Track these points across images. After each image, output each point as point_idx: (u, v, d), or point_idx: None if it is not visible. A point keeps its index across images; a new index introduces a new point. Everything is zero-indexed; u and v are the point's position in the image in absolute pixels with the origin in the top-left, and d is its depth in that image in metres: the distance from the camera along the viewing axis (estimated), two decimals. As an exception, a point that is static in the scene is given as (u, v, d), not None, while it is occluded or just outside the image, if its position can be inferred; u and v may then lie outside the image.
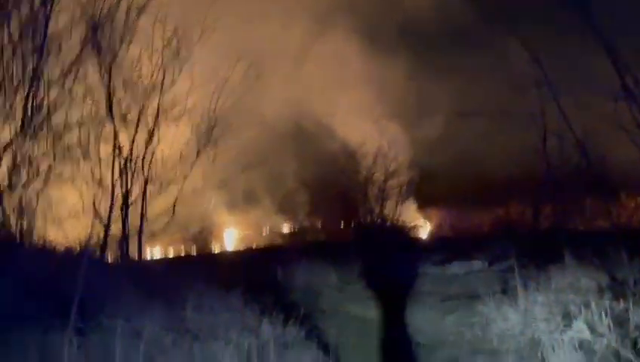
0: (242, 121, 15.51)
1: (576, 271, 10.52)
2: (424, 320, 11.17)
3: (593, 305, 8.08)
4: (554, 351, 7.23)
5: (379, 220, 24.99)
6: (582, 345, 7.19)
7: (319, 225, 29.11)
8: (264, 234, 32.36)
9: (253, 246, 28.50)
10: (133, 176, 13.66)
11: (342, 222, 27.52)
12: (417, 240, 25.75)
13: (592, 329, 7.47)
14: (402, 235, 25.25)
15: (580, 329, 7.55)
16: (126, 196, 13.36)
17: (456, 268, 15.84)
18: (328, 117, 27.64)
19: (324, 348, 8.10)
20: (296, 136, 28.45)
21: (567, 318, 8.23)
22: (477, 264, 15.77)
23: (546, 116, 13.53)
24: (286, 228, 31.10)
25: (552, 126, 13.30)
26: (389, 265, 16.05)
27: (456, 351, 8.93)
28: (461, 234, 23.87)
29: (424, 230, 29.87)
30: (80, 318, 5.64)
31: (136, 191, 13.92)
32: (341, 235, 25.78)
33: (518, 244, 14.42)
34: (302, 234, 28.29)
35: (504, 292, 11.01)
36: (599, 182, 10.89)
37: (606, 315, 7.45)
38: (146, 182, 13.88)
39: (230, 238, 32.10)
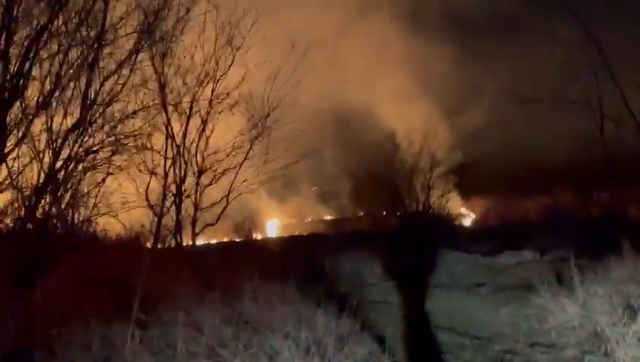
0: (293, 111, 15.28)
1: (637, 262, 10.19)
2: (477, 312, 10.98)
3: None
4: (618, 345, 6.96)
5: (425, 209, 24.75)
6: (647, 339, 6.95)
7: (361, 213, 28.96)
8: (307, 221, 32.49)
9: (298, 234, 28.59)
10: (186, 165, 13.60)
11: (385, 211, 27.27)
12: (464, 229, 25.43)
13: (658, 322, 7.23)
14: (449, 225, 24.99)
15: (644, 322, 7.30)
16: (179, 185, 13.32)
17: (506, 258, 15.55)
18: (372, 104, 27.52)
19: (379, 340, 7.96)
20: (339, 124, 28.38)
21: (630, 311, 7.97)
22: (528, 254, 15.47)
23: (602, 102, 13.06)
24: (328, 217, 31.10)
25: (608, 112, 12.85)
26: (438, 255, 15.88)
27: (512, 343, 8.70)
28: (509, 223, 23.43)
29: (468, 219, 29.62)
30: (141, 310, 5.62)
31: (189, 181, 13.91)
32: (385, 225, 25.51)
33: (570, 233, 14.13)
34: (344, 224, 28.17)
35: (559, 283, 10.71)
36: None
37: (672, 308, 7.20)
38: (199, 172, 13.82)
39: (273, 228, 32.31)
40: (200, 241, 21.90)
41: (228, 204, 14.46)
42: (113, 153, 12.18)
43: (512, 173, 25.94)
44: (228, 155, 14.33)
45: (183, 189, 13.59)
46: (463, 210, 30.14)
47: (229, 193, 14.46)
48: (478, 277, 13.73)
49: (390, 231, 23.17)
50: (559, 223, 18.00)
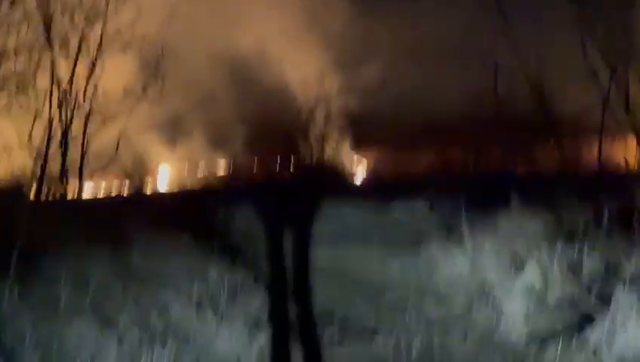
0: (191, 55, 14.48)
1: (524, 216, 10.44)
2: (369, 263, 11.01)
3: (544, 250, 8.04)
4: (505, 297, 7.11)
5: (318, 160, 24.70)
6: (533, 292, 7.11)
7: (255, 163, 28.63)
8: (199, 170, 31.81)
9: (193, 186, 28.02)
10: (73, 109, 12.58)
11: (279, 161, 27.05)
12: (356, 181, 25.61)
13: (544, 275, 7.41)
14: (342, 176, 25.09)
15: (531, 275, 7.48)
16: (65, 130, 12.33)
17: (397, 210, 15.67)
18: (267, 52, 27.07)
19: (272, 291, 7.80)
20: (240, 75, 27.81)
21: (517, 265, 8.17)
22: (418, 206, 15.63)
23: (497, 57, 13.20)
24: (222, 166, 30.57)
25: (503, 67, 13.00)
26: (329, 206, 15.83)
27: (403, 293, 8.77)
28: (400, 176, 23.69)
29: (360, 171, 29.80)
30: (20, 265, 5.20)
31: (76, 126, 12.93)
32: (279, 175, 25.34)
33: (460, 187, 14.35)
34: (238, 174, 27.80)
35: (449, 235, 10.89)
36: (549, 124, 10.69)
37: (558, 261, 7.39)
38: (87, 116, 12.84)
39: (164, 175, 31.48)
40: (91, 189, 21.18)
41: (118, 150, 13.57)
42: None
43: (405, 126, 26.12)
44: (119, 98, 13.34)
45: (69, 134, 12.57)
46: (355, 162, 30.24)
47: (119, 139, 13.53)
48: (370, 229, 13.78)
49: (284, 182, 23.06)
50: (449, 177, 18.30)
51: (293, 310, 7.62)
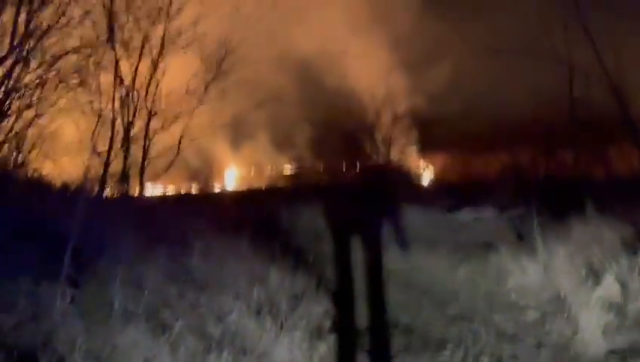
0: (254, 55, 14.27)
1: (599, 223, 9.97)
2: (436, 269, 10.73)
3: (622, 260, 7.61)
4: (581, 309, 6.72)
5: (385, 163, 24.42)
6: (612, 305, 6.70)
7: (321, 167, 28.49)
8: (266, 174, 31.95)
9: (257, 187, 28.15)
10: (135, 109, 12.47)
11: (344, 165, 26.86)
12: (423, 184, 25.24)
13: (623, 287, 6.99)
14: (409, 179, 24.76)
15: (609, 287, 7.06)
16: (127, 130, 12.24)
17: (465, 214, 15.35)
18: (338, 57, 26.97)
19: (335, 298, 7.58)
20: (303, 76, 27.78)
21: (593, 274, 7.76)
22: (487, 211, 15.26)
23: (572, 57, 12.66)
24: (288, 169, 30.63)
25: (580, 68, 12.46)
26: (397, 210, 15.59)
27: (471, 303, 8.45)
28: (468, 180, 23.26)
29: (428, 174, 29.42)
30: (74, 266, 5.12)
31: (138, 126, 12.79)
32: (345, 178, 25.16)
33: (531, 192, 13.93)
34: (304, 176, 27.74)
35: (520, 242, 10.51)
36: (629, 126, 10.16)
37: (638, 272, 6.96)
38: (149, 116, 12.73)
39: (231, 177, 31.74)
40: (154, 191, 21.29)
41: (179, 151, 13.40)
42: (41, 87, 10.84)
43: (475, 129, 25.62)
44: (181, 99, 13.19)
45: (131, 134, 12.47)
46: (423, 165, 29.87)
47: (181, 139, 13.34)
48: (437, 234, 13.50)
49: (350, 185, 22.93)
50: (520, 181, 17.83)
51: (356, 318, 7.38)
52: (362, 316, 7.81)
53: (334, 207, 16.30)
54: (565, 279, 8.00)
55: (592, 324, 6.28)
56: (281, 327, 5.31)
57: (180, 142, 13.14)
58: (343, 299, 8.18)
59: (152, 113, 12.57)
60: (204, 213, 10.73)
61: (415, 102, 25.28)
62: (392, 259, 11.48)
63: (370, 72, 24.61)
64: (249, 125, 30.49)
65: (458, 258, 11.27)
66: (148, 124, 12.51)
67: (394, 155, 25.14)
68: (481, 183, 20.46)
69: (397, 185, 21.65)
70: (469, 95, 24.68)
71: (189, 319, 5.06)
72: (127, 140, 12.04)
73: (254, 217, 12.73)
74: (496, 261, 10.00)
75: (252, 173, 33.27)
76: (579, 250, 8.90)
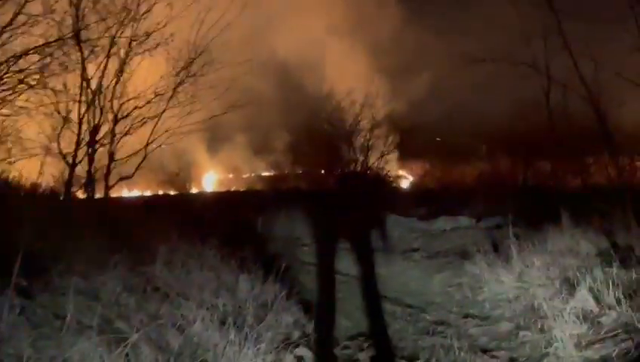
0: (226, 57, 13.96)
1: (575, 234, 9.93)
2: (411, 278, 10.65)
3: (597, 271, 7.54)
4: (556, 321, 6.61)
5: (363, 170, 24.30)
6: (587, 317, 6.60)
7: (299, 171, 28.37)
8: (244, 176, 31.78)
9: (231, 190, 28.01)
10: (102, 111, 12.03)
11: (323, 170, 26.72)
12: (401, 192, 25.16)
13: (597, 299, 6.90)
14: (386, 187, 24.67)
15: (584, 298, 6.97)
16: (93, 132, 11.78)
17: (442, 223, 15.26)
18: (313, 59, 26.88)
19: (306, 308, 7.40)
20: (282, 80, 27.69)
21: (568, 285, 7.68)
22: (464, 220, 15.19)
23: (550, 68, 12.63)
24: (266, 174, 30.49)
25: (557, 79, 12.43)
26: (373, 218, 15.50)
27: (445, 314, 8.33)
28: (446, 188, 23.24)
29: (406, 182, 29.40)
30: (25, 275, 4.87)
31: (105, 128, 12.27)
32: (323, 184, 25.02)
33: (508, 201, 13.89)
34: (282, 181, 27.58)
35: (495, 251, 10.42)
36: (607, 137, 10.12)
37: (614, 284, 6.87)
38: (115, 119, 12.27)
39: (209, 182, 31.56)
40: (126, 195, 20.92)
41: (146, 155, 12.85)
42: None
43: (453, 137, 25.74)
44: (148, 102, 12.72)
45: (97, 138, 12.01)
46: (401, 173, 29.87)
47: (148, 144, 12.76)
48: (414, 242, 13.45)
49: (327, 191, 22.80)
50: (497, 190, 17.81)
51: (328, 328, 7.23)
52: (334, 326, 7.67)
53: (310, 213, 16.18)
54: (540, 289, 7.93)
55: (566, 336, 6.16)
56: (246, 338, 5.10)
57: (146, 146, 12.64)
58: (315, 308, 8.03)
59: (119, 116, 12.12)
60: (172, 217, 10.42)
61: (395, 109, 25.23)
62: (367, 267, 11.38)
63: (350, 77, 24.52)
64: (226, 129, 30.38)
65: (434, 266, 11.20)
66: (114, 127, 12.06)
67: (373, 162, 25.04)
68: (458, 192, 20.43)
69: (374, 192, 21.55)
70: (449, 104, 24.76)
71: (147, 331, 4.84)
72: (92, 143, 11.62)
73: (226, 222, 12.49)
74: (471, 270, 9.91)
75: (230, 176, 33.20)
76: (554, 261, 8.85)
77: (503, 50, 12.95)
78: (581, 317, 6.56)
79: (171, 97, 12.88)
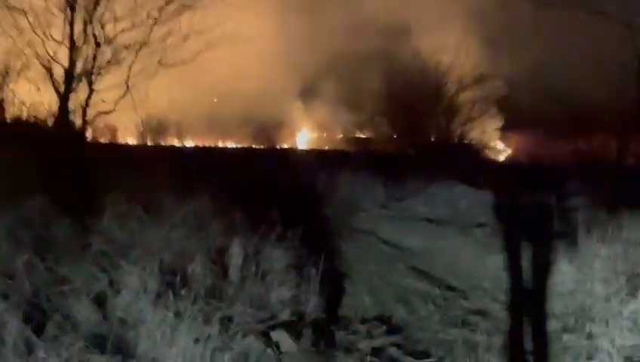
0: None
1: (656, 224, 8.56)
2: (463, 256, 9.52)
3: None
4: (608, 326, 5.45)
5: (449, 137, 22.95)
6: (643, 325, 5.41)
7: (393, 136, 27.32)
8: (339, 137, 31.54)
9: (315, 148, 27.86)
10: (85, 34, 10.72)
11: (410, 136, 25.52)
12: (486, 163, 23.68)
13: (664, 305, 5.68)
14: (471, 157, 23.23)
15: (645, 302, 5.75)
16: (71, 60, 10.40)
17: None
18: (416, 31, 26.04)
19: (323, 281, 6.35)
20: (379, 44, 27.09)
21: (633, 283, 6.43)
22: (542, 197, 13.78)
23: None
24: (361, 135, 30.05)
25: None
26: (443, 187, 14.37)
27: (487, 301, 7.25)
28: (534, 163, 21.72)
29: (503, 154, 28.19)
30: None
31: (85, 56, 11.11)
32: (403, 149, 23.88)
33: (590, 181, 12.51)
34: (376, 144, 26.70)
35: (562, 235, 9.13)
36: None
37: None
38: (96, 43, 10.78)
39: (303, 140, 31.51)
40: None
41: (128, 89, 11.35)
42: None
43: (551, 111, 24.09)
44: (134, 26, 11.21)
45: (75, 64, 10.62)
46: (499, 145, 28.55)
47: (129, 74, 11.34)
48: (480, 216, 12.21)
49: (406, 157, 21.77)
50: (586, 169, 16.25)
51: (335, 308, 6.30)
52: (351, 305, 6.75)
53: (382, 178, 15.28)
54: (599, 285, 6.70)
55: (614, 347, 5.01)
56: (182, 315, 4.14)
57: (128, 79, 11.32)
58: (335, 282, 7.15)
59: (100, 40, 10.86)
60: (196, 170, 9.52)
61: (495, 85, 23.83)
62: (419, 239, 10.41)
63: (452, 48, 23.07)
64: (323, 89, 30.07)
65: (492, 246, 9.98)
66: (95, 53, 10.85)
67: (475, 134, 23.79)
68: (545, 168, 19.00)
69: (458, 161, 20.25)
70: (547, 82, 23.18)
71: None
72: (70, 71, 10.45)
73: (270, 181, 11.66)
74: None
75: (325, 135, 32.91)
76: (625, 253, 7.55)
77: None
78: (639, 325, 5.36)
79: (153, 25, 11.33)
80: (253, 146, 27.97)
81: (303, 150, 27.04)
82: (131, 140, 18.95)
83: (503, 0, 23.61)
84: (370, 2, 27.61)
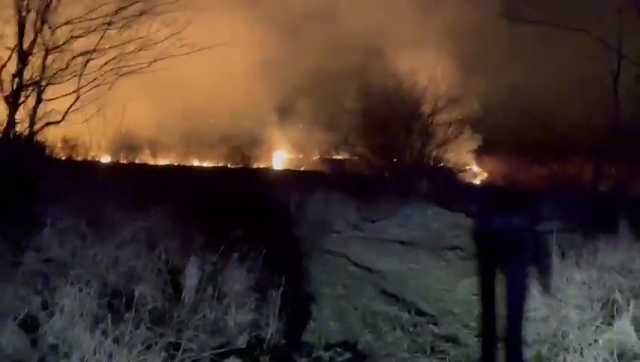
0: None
1: (632, 248, 8.33)
2: (435, 280, 9.25)
3: (649, 296, 6.04)
4: (582, 355, 5.18)
5: (421, 159, 22.74)
6: (623, 355, 5.14)
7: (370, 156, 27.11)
8: (314, 158, 31.48)
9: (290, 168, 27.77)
10: (35, 39, 10.10)
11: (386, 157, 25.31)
12: (460, 185, 23.55)
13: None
14: (446, 179, 23.06)
15: (624, 330, 5.49)
16: (21, 66, 9.80)
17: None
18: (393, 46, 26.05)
19: (286, 304, 6.01)
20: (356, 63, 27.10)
21: (608, 309, 6.18)
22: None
23: (622, 45, 10.90)
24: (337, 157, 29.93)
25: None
26: (415, 209, 14.15)
27: (457, 328, 6.97)
28: (509, 186, 21.55)
29: (479, 179, 28.09)
30: None
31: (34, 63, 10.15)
32: (380, 171, 23.65)
33: (565, 205, 12.35)
34: (352, 165, 26.44)
35: (536, 260, 8.87)
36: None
37: (665, 317, 5.38)
38: (46, 50, 10.07)
39: (278, 160, 31.37)
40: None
41: (79, 97, 10.70)
42: None
43: (527, 132, 24.07)
44: (87, 32, 10.54)
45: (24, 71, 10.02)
46: (475, 168, 28.47)
47: (80, 80, 10.69)
48: (453, 239, 12.00)
49: (381, 178, 21.60)
50: (562, 193, 16.11)
51: (296, 334, 5.96)
52: (315, 330, 6.41)
53: (356, 199, 15.05)
54: (574, 312, 6.45)
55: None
56: (119, 341, 3.79)
57: (79, 87, 10.72)
58: (301, 306, 6.84)
59: (49, 45, 10.31)
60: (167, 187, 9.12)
61: (471, 107, 23.75)
62: (389, 261, 10.14)
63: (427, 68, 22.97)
64: (299, 110, 30.05)
65: (465, 269, 9.72)
66: (44, 60, 10.28)
67: (450, 156, 23.60)
68: (520, 191, 18.78)
69: (430, 182, 20.07)
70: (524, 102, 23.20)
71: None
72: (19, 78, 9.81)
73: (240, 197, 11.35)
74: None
75: (300, 156, 32.79)
76: (600, 278, 7.32)
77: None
78: (615, 355, 5.10)
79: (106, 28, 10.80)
80: (228, 166, 27.69)
81: (277, 170, 26.82)
82: (105, 158, 18.54)
83: (480, 20, 23.65)
84: (347, 21, 27.61)
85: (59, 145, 11.39)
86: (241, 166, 26.66)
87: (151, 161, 25.26)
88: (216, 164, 28.66)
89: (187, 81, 25.32)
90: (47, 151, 10.89)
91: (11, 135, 9.37)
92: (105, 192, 6.96)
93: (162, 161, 26.09)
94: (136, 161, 22.44)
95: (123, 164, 16.79)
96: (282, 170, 26.18)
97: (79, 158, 10.86)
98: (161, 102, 25.49)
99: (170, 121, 26.37)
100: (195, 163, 28.63)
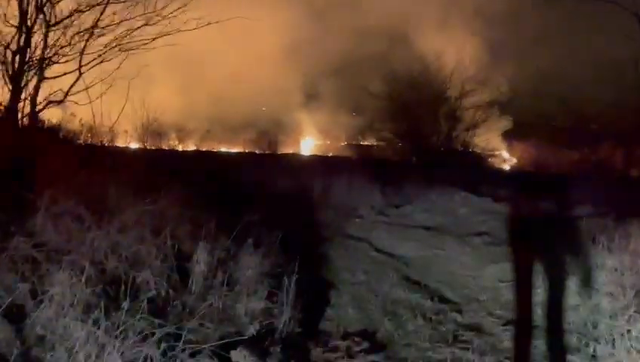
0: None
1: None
2: (461, 266, 8.95)
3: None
4: (614, 346, 4.88)
5: (450, 144, 22.37)
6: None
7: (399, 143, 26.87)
8: (342, 144, 31.40)
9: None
10: (36, 14, 9.69)
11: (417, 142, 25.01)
12: (488, 171, 23.11)
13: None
14: (474, 164, 22.66)
15: (658, 319, 5.18)
16: (25, 42, 9.22)
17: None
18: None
19: (304, 291, 5.77)
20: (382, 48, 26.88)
21: (640, 302, 5.85)
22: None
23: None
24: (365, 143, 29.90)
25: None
26: (441, 194, 13.81)
27: (482, 317, 6.67)
28: (540, 171, 21.18)
29: (509, 164, 27.72)
30: None
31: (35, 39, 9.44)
32: (405, 156, 23.35)
33: (596, 190, 11.96)
34: (380, 151, 26.25)
35: (566, 246, 8.54)
36: None
37: None
38: (47, 24, 9.43)
39: (307, 147, 31.33)
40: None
41: (81, 74, 10.00)
42: None
43: (555, 117, 23.68)
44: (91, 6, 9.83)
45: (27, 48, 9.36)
46: (504, 153, 28.06)
47: (81, 56, 9.97)
48: (480, 225, 11.66)
49: (407, 163, 21.27)
50: (593, 178, 15.71)
51: (312, 322, 5.73)
52: (333, 318, 6.18)
53: (381, 184, 14.77)
54: (605, 300, 6.13)
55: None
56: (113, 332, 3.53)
57: (80, 63, 10.32)
58: (319, 293, 6.62)
59: (51, 20, 9.92)
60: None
61: (499, 89, 23.32)
62: (417, 247, 9.86)
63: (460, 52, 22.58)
64: (328, 95, 29.89)
65: (492, 255, 9.41)
66: (45, 36, 9.89)
67: (479, 141, 23.21)
68: (550, 176, 18.42)
69: (459, 168, 19.70)
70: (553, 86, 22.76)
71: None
72: (22, 54, 9.42)
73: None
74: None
75: (328, 143, 32.69)
76: (633, 264, 6.97)
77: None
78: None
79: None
80: (256, 152, 27.59)
81: (302, 155, 26.65)
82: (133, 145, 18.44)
83: (508, 1, 23.21)
84: (373, 6, 27.28)
85: (75, 128, 10.98)
86: (267, 152, 26.53)
87: (178, 148, 25.19)
88: (242, 150, 28.51)
89: (213, 67, 25.33)
90: (60, 134, 10.61)
91: (14, 115, 9.06)
92: (112, 176, 6.72)
93: (189, 147, 26.00)
94: (163, 147, 22.33)
95: (142, 148, 16.58)
96: (308, 156, 25.93)
97: (94, 142, 10.51)
98: (187, 88, 25.53)
99: (196, 107, 26.33)
100: (223, 149, 28.50)
